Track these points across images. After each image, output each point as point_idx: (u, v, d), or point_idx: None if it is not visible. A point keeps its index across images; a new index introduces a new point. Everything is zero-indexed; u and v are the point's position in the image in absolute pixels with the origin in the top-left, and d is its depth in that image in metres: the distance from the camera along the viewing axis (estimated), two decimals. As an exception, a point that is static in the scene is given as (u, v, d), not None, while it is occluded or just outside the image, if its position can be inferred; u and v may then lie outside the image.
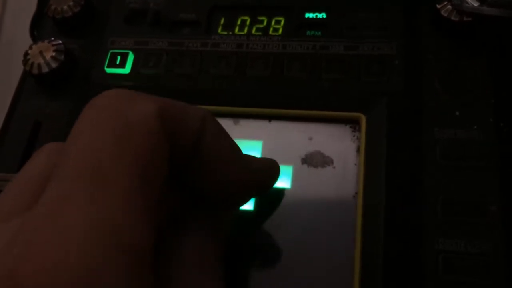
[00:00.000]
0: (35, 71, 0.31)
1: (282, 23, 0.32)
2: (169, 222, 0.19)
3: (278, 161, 0.27)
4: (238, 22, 0.33)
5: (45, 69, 0.31)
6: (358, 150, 0.28)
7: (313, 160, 0.28)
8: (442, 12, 0.29)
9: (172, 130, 0.17)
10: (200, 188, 0.20)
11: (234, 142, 0.21)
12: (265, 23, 0.32)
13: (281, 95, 0.30)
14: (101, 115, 0.16)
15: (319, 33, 0.31)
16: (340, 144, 0.28)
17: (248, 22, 0.33)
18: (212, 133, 0.19)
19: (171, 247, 0.18)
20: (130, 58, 0.32)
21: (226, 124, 0.30)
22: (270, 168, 0.25)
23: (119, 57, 0.32)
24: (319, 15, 0.32)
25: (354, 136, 0.28)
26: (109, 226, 0.14)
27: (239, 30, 0.32)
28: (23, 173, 0.18)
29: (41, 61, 0.31)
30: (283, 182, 0.27)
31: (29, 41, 0.36)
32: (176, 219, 0.19)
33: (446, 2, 0.29)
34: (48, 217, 0.14)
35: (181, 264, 0.18)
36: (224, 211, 0.22)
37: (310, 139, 0.29)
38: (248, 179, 0.21)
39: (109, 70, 0.32)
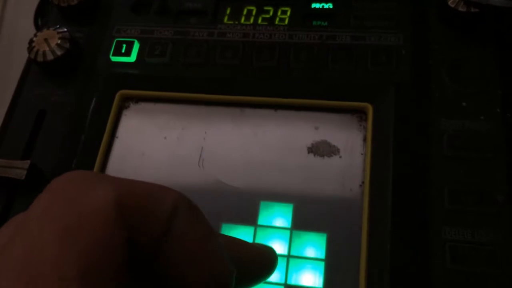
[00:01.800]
0: (40, 58, 0.31)
1: (288, 13, 0.32)
2: None
3: (284, 153, 0.27)
4: (244, 12, 0.33)
5: (50, 57, 0.31)
6: (364, 140, 0.28)
7: (320, 150, 0.28)
8: (449, 3, 0.29)
9: (134, 222, 0.15)
10: (171, 278, 0.17)
11: (213, 233, 0.18)
12: (271, 13, 0.32)
13: (287, 84, 0.30)
14: (53, 202, 0.15)
15: (326, 23, 0.31)
16: (346, 134, 0.28)
17: (254, 12, 0.32)
18: (184, 225, 0.17)
19: None
20: (136, 46, 0.32)
21: (232, 113, 0.30)
22: (262, 259, 0.22)
23: (124, 46, 0.32)
24: (326, 5, 0.32)
25: (360, 125, 0.28)
26: None
27: (245, 20, 0.32)
28: None
29: (46, 48, 0.31)
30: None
31: (31, 30, 0.36)
32: None
33: (453, -7, 0.29)
34: None
35: None
36: None
37: (317, 128, 0.29)
38: (226, 276, 0.18)
39: (114, 59, 0.32)
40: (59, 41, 0.31)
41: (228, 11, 0.33)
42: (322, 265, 0.25)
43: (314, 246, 0.26)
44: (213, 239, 0.18)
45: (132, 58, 0.32)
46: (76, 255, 0.14)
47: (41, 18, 0.38)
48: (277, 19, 0.32)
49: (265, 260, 0.22)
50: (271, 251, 0.23)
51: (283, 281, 0.25)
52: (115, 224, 0.15)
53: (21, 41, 0.34)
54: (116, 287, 0.15)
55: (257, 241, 0.26)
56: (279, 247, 0.26)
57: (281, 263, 0.25)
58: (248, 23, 0.32)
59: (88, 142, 0.30)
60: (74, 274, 0.14)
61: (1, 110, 0.32)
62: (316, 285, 0.25)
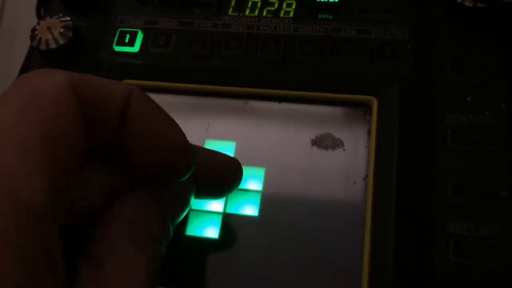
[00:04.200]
0: (42, 47, 0.31)
1: (293, 6, 0.32)
2: (105, 197, 0.19)
3: (287, 143, 0.27)
4: (249, 4, 0.32)
5: (52, 45, 0.31)
6: (369, 133, 0.28)
7: (323, 142, 0.28)
8: (455, -2, 0.29)
9: (91, 101, 0.17)
10: (133, 163, 0.19)
11: (167, 115, 0.19)
12: (276, 5, 0.32)
13: (292, 77, 0.30)
14: (14, 87, 0.17)
15: (331, 16, 0.31)
16: (351, 127, 0.28)
17: (259, 5, 0.32)
18: (139, 105, 0.18)
19: (102, 223, 0.18)
20: (139, 37, 0.32)
21: (236, 105, 0.30)
22: (226, 163, 0.24)
23: (128, 36, 0.32)
24: (331, -1, 0.32)
25: (365, 119, 0.28)
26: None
27: (250, 12, 0.32)
28: None
29: (49, 37, 0.31)
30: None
31: (32, 21, 0.36)
32: (116, 194, 0.19)
33: (459, -12, 0.29)
34: None
35: (111, 239, 0.17)
36: (164, 187, 0.20)
37: (321, 121, 0.28)
38: (179, 151, 0.19)
39: (118, 48, 0.32)
40: (62, 30, 0.31)
41: (232, 3, 0.33)
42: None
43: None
44: (171, 120, 0.19)
45: (136, 48, 0.32)
46: (36, 123, 0.15)
47: (43, 8, 0.38)
48: (282, 11, 0.32)
49: (229, 165, 0.24)
50: (236, 160, 0.25)
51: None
52: (70, 100, 0.16)
53: (22, 32, 0.34)
54: (78, 155, 0.17)
55: None
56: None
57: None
58: (252, 15, 0.32)
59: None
60: (35, 141, 0.15)
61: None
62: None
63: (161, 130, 0.19)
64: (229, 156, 0.25)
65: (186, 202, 0.22)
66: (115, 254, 0.17)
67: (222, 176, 0.24)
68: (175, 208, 0.21)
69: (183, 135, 0.20)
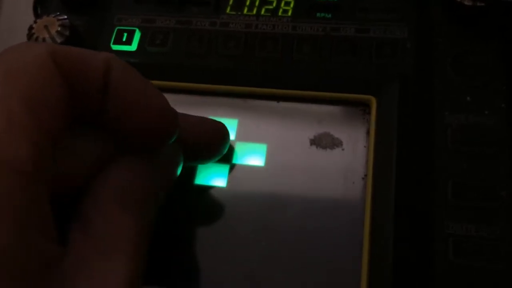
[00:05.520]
0: (39, 45, 0.31)
1: (292, 4, 0.32)
2: (95, 166, 0.19)
3: (286, 141, 0.27)
4: (247, 3, 0.32)
5: (49, 44, 0.31)
6: (368, 133, 0.27)
7: (322, 142, 0.28)
8: (455, -3, 0.29)
9: (73, 71, 0.17)
10: (119, 129, 0.20)
11: (146, 80, 0.20)
12: (274, 4, 0.32)
13: (290, 76, 0.29)
14: None
15: (330, 15, 0.31)
16: (350, 126, 0.28)
17: (257, 3, 0.32)
18: (119, 71, 0.19)
19: (92, 188, 0.18)
20: (137, 35, 0.32)
21: (234, 103, 0.29)
22: (211, 127, 0.25)
23: (125, 34, 0.32)
24: (330, -3, 0.31)
25: (364, 118, 0.28)
26: None
27: (248, 11, 0.32)
28: None
29: (46, 35, 0.31)
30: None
31: (29, 20, 0.35)
32: (105, 162, 0.19)
33: (459, -13, 0.29)
34: None
35: (99, 202, 0.18)
36: (151, 151, 0.21)
37: (319, 120, 0.28)
38: (161, 110, 0.20)
39: (115, 47, 0.32)
40: (59, 28, 0.31)
41: (231, 2, 0.32)
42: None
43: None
44: (150, 84, 0.20)
45: (133, 47, 0.31)
46: (20, 93, 0.16)
47: (40, 6, 0.37)
48: (281, 10, 0.32)
49: (215, 128, 0.25)
50: (221, 123, 0.26)
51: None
52: (53, 68, 0.17)
53: (19, 30, 0.34)
54: (63, 123, 0.17)
55: None
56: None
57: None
58: (251, 13, 0.32)
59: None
60: (20, 110, 0.15)
61: None
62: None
63: (142, 92, 0.19)
64: (214, 120, 0.26)
65: (174, 168, 0.23)
66: (103, 215, 0.18)
67: (208, 140, 0.25)
68: (164, 174, 0.22)
69: (163, 97, 0.20)
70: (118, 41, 0.32)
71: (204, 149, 0.25)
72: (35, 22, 0.31)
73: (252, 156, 0.28)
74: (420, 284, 0.24)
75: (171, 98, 0.30)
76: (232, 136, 0.28)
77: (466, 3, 0.28)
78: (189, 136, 0.23)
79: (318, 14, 0.31)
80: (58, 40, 0.31)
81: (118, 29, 0.32)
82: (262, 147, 0.28)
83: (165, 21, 0.32)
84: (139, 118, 0.19)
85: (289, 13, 0.31)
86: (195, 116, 0.25)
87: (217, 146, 0.26)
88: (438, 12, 0.29)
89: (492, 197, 0.25)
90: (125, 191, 0.19)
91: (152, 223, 0.20)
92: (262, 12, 0.32)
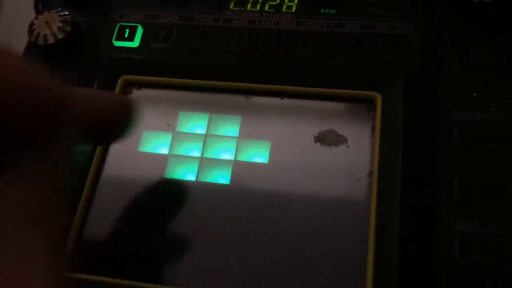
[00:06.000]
0: (40, 42, 0.30)
1: (295, 0, 0.31)
2: None
3: (290, 138, 0.26)
4: (251, -1, 0.32)
5: (51, 40, 0.30)
6: (373, 130, 0.27)
7: (327, 139, 0.27)
8: (461, -8, 0.28)
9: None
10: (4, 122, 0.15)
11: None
12: (278, 0, 0.32)
13: (294, 72, 0.29)
14: None
15: (334, 11, 0.30)
16: (354, 123, 0.28)
17: (261, -1, 0.32)
18: None
19: None
20: (139, 31, 0.31)
21: (237, 100, 0.29)
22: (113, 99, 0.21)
23: (127, 30, 0.31)
24: (334, -7, 0.31)
25: (369, 115, 0.28)
26: None
27: (251, 7, 0.32)
28: None
29: (47, 31, 0.30)
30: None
31: (30, 16, 0.35)
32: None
33: (465, -18, 0.29)
34: None
35: (5, 223, 0.15)
36: (47, 149, 0.16)
37: (324, 117, 0.28)
38: (41, 89, 0.16)
39: (117, 43, 0.31)
40: (60, 24, 0.31)
41: (234, -2, 0.32)
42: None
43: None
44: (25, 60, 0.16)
45: (136, 43, 0.31)
46: None
47: (42, 3, 0.37)
48: (284, 6, 0.31)
49: (114, 102, 0.21)
50: (121, 96, 0.23)
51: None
52: None
53: (20, 27, 0.34)
54: None
55: None
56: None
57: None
58: (254, 9, 0.31)
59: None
60: None
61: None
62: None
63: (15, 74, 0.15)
64: (114, 93, 0.23)
65: (79, 155, 0.19)
66: (10, 238, 0.15)
67: (109, 117, 0.21)
68: (66, 164, 0.17)
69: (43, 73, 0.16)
70: (120, 37, 0.31)
71: (105, 127, 0.21)
72: (36, 18, 0.31)
73: (256, 153, 0.28)
74: (426, 282, 0.23)
75: (173, 95, 0.30)
76: (235, 133, 0.28)
77: (472, -1, 0.28)
78: (85, 114, 0.19)
79: (322, 10, 0.31)
80: (60, 36, 0.30)
81: (120, 25, 0.32)
82: (266, 144, 0.28)
83: (168, 17, 0.32)
84: (18, 105, 0.15)
85: (293, 9, 0.31)
86: (91, 90, 0.21)
87: (119, 120, 0.22)
88: (444, 8, 0.29)
89: (498, 195, 0.25)
90: (34, 208, 0.15)
91: (64, 227, 0.17)
92: (266, 8, 0.31)
